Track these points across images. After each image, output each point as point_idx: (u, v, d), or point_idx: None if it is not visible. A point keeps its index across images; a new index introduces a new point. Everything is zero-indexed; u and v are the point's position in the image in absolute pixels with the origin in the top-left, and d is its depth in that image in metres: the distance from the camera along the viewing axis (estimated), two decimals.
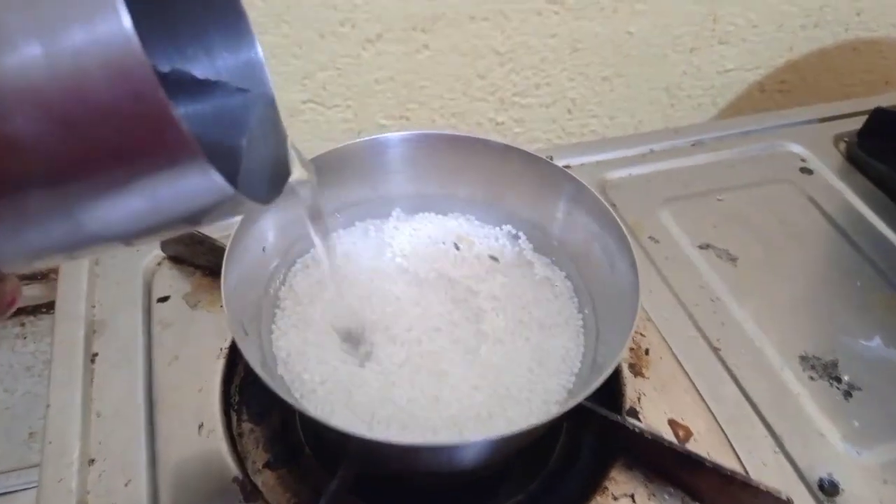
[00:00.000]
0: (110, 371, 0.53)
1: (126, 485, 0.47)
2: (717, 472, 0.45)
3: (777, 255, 0.65)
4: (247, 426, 0.52)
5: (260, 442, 0.51)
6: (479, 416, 0.43)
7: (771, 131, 0.77)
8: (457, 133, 0.53)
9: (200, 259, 0.59)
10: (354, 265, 0.52)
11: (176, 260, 0.60)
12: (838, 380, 0.56)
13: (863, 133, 0.74)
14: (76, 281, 0.58)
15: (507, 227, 0.55)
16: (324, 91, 0.79)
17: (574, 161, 0.72)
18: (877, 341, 0.58)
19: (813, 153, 0.75)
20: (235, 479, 0.46)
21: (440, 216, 0.56)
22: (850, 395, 0.55)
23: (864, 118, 0.75)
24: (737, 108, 0.94)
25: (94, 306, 0.57)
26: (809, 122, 0.78)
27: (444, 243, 0.54)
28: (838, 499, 0.49)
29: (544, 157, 0.50)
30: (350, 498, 0.46)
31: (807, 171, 0.73)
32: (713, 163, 0.73)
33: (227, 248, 0.44)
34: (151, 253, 0.61)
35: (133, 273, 0.59)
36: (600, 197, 0.47)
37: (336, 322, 0.47)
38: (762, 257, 0.65)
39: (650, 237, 0.65)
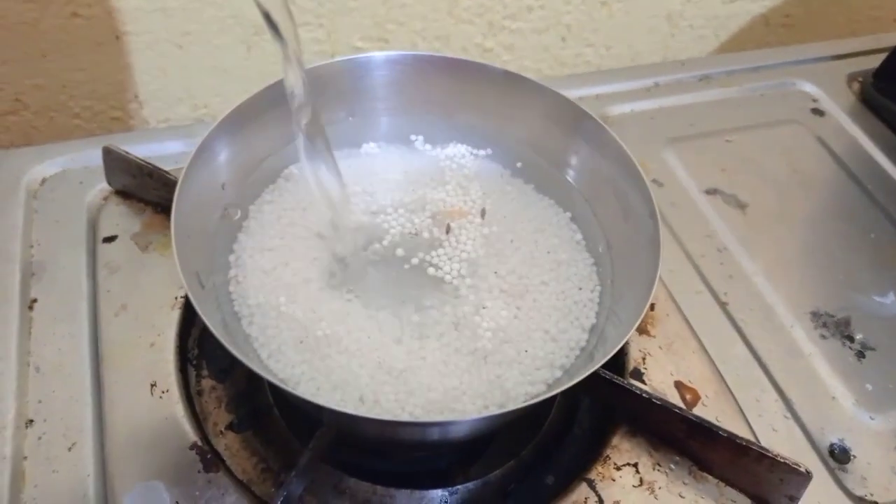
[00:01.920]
0: (50, 320, 0.46)
1: (69, 449, 0.41)
2: (731, 441, 0.40)
3: (788, 202, 0.60)
4: (207, 384, 0.47)
5: (222, 401, 0.46)
6: (475, 389, 0.38)
7: (781, 67, 0.71)
8: (460, 57, 0.46)
9: (151, 194, 0.52)
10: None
11: (124, 195, 0.53)
12: (851, 339, 0.52)
13: (879, 73, 0.69)
14: (10, 216, 0.51)
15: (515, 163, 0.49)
16: (292, 6, 0.70)
17: (571, 94, 0.65)
18: (891, 298, 0.55)
19: (825, 93, 0.69)
20: (193, 446, 0.41)
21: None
22: (864, 355, 0.51)
23: (879, 57, 0.70)
24: (739, 42, 0.87)
25: (31, 246, 0.50)
26: (822, 59, 0.73)
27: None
28: (849, 466, 0.46)
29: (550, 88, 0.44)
30: (323, 466, 0.42)
31: (818, 112, 0.68)
32: (721, 100, 0.67)
33: (177, 184, 0.37)
34: (96, 186, 0.53)
35: (76, 209, 0.52)
36: (617, 138, 0.42)
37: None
38: (772, 205, 0.60)
39: (654, 180, 0.60)
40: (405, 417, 0.36)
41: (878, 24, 0.93)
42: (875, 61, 0.70)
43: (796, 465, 0.40)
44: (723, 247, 0.56)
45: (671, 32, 0.84)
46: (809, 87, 0.70)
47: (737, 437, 0.41)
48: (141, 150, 0.52)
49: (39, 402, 0.43)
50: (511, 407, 0.35)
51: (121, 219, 0.51)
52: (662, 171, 0.60)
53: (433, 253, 0.44)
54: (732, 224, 0.58)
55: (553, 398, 0.47)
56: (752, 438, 0.43)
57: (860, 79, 0.71)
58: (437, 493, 0.42)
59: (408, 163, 0.48)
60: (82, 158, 0.55)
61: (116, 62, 0.69)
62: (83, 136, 0.70)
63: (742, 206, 0.59)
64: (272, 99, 0.43)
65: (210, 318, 0.33)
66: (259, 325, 0.40)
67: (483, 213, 0.46)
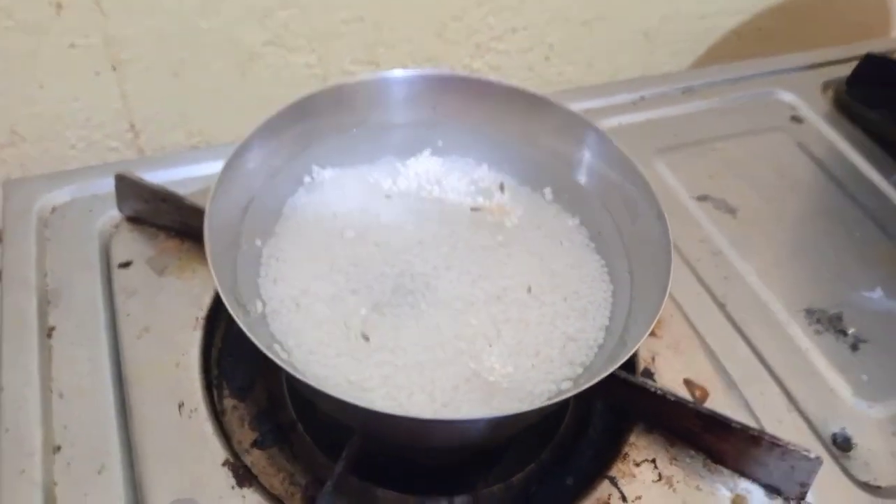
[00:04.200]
0: (70, 346, 0.47)
1: (99, 472, 0.42)
2: (744, 432, 0.42)
3: (775, 205, 0.63)
4: (229, 403, 0.47)
5: (245, 420, 0.47)
6: (499, 385, 0.40)
7: (760, 78, 0.74)
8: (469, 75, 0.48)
9: (164, 219, 0.53)
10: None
11: (136, 221, 0.54)
12: (844, 333, 0.55)
13: (851, 80, 0.72)
14: (23, 245, 0.51)
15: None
16: (285, 31, 0.72)
17: None
18: (878, 292, 0.57)
19: (803, 101, 0.73)
20: (226, 462, 0.42)
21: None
22: (857, 347, 0.54)
23: (850, 65, 0.73)
24: (715, 56, 0.91)
25: (45, 274, 0.50)
26: (798, 68, 0.76)
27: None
28: (852, 453, 0.48)
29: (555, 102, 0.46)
30: (352, 478, 0.43)
31: (797, 119, 0.71)
32: (704, 111, 0.70)
33: (207, 205, 0.38)
34: (106, 213, 0.54)
35: (87, 236, 0.53)
36: (622, 148, 0.44)
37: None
38: (760, 208, 0.62)
39: None
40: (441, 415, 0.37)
41: (850, 36, 0.97)
42: (847, 69, 0.74)
43: (806, 451, 0.42)
44: (717, 250, 0.58)
45: (649, 49, 0.87)
46: (787, 96, 0.73)
47: (749, 428, 0.42)
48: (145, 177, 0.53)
49: (65, 427, 0.43)
50: (539, 404, 0.37)
51: (134, 244, 0.52)
52: (654, 181, 0.61)
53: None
54: (724, 228, 0.60)
55: (567, 402, 0.48)
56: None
57: (834, 86, 0.74)
58: (463, 499, 0.43)
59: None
60: (90, 187, 0.56)
61: (112, 91, 0.70)
62: (80, 166, 0.71)
63: (732, 211, 0.62)
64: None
65: (260, 340, 0.34)
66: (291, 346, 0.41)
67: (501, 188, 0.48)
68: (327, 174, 0.48)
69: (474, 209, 0.49)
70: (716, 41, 0.90)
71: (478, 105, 0.49)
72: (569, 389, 0.38)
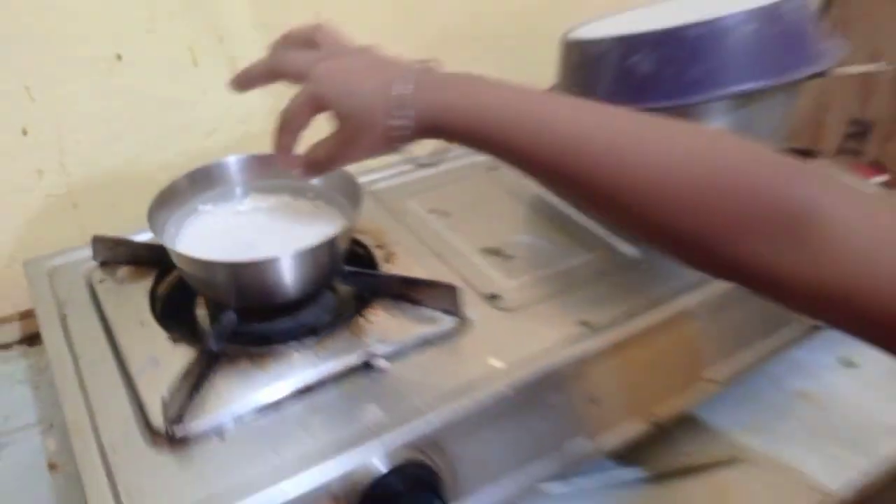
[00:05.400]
0: (79, 320, 0.88)
1: None
2: (429, 284, 0.87)
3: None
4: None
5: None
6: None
7: None
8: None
9: (121, 256, 0.96)
10: None
11: (103, 264, 0.97)
12: (501, 254, 1.01)
13: None
14: (42, 287, 0.94)
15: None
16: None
17: None
18: (525, 236, 1.05)
19: None
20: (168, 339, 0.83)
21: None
22: (509, 259, 1.00)
23: None
24: None
25: (62, 301, 0.93)
26: None
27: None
28: (500, 302, 0.92)
29: None
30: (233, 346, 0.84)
31: None
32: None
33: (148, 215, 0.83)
34: (88, 262, 0.98)
35: (79, 275, 0.96)
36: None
37: None
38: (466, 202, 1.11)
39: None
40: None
41: None
42: None
43: (452, 285, 0.86)
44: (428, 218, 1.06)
45: None
46: None
47: (433, 281, 0.87)
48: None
49: None
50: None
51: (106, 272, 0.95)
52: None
53: None
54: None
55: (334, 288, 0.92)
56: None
57: None
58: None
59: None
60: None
61: None
62: None
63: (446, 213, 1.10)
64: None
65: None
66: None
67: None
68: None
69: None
70: None
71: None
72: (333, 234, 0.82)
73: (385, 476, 0.69)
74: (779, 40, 0.93)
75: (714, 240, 0.53)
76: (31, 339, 1.14)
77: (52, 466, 0.93)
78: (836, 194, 0.50)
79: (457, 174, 1.20)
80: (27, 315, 1.12)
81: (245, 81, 0.73)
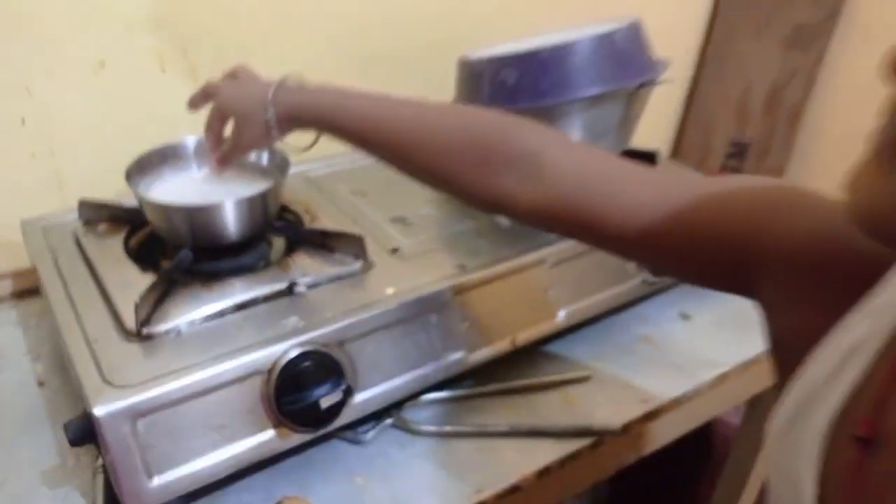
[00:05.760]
0: (69, 263, 1.13)
1: None
2: (338, 233, 1.14)
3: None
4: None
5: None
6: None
7: None
8: None
9: (103, 216, 1.22)
10: None
11: (87, 222, 1.22)
12: (405, 221, 1.29)
13: None
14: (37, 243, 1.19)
15: None
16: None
17: None
18: (428, 209, 1.33)
19: None
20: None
21: None
22: (407, 225, 1.28)
23: None
24: None
25: (56, 251, 1.17)
26: None
27: None
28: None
29: None
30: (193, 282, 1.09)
31: None
32: None
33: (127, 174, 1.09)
34: (75, 222, 1.23)
35: (68, 231, 1.21)
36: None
37: None
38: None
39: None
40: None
41: None
42: None
43: (361, 235, 1.13)
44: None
45: None
46: None
47: (344, 232, 1.14)
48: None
49: None
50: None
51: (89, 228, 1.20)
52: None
53: None
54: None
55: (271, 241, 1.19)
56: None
57: None
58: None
59: None
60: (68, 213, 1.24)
61: None
62: None
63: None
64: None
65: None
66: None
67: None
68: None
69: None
70: None
71: None
72: (265, 188, 1.09)
73: (297, 357, 0.95)
74: (612, 59, 1.24)
75: (474, 176, 0.83)
76: (21, 294, 1.37)
77: (40, 384, 1.17)
78: (557, 142, 0.80)
79: (378, 166, 1.48)
80: (18, 274, 1.36)
81: (193, 103, 1.08)
